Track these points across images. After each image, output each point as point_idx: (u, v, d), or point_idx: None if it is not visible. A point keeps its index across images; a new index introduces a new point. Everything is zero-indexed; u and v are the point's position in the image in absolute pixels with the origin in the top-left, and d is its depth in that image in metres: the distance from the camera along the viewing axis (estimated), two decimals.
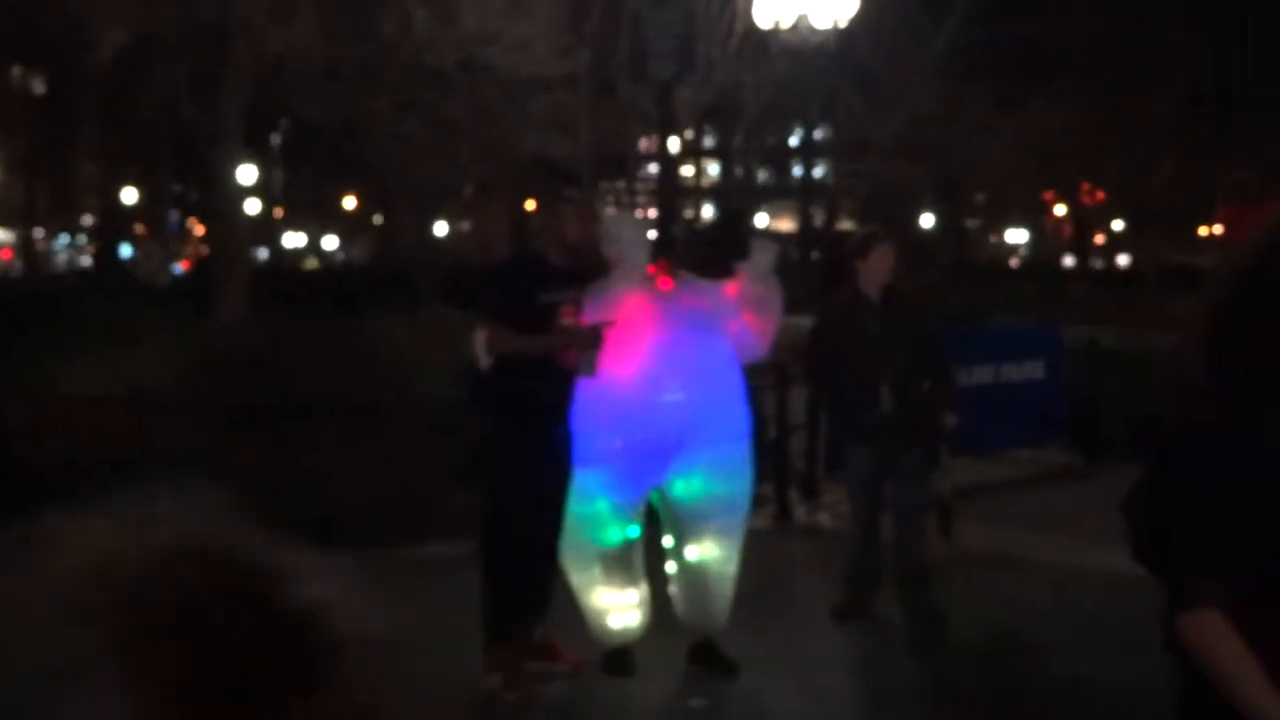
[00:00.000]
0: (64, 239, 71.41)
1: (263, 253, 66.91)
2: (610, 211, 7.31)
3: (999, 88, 28.84)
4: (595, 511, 6.84)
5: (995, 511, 10.43)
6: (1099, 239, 62.85)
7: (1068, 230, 60.36)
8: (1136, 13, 38.10)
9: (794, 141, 44.26)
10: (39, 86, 46.12)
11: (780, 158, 31.05)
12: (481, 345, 6.59)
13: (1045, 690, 6.91)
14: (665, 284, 6.95)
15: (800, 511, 10.77)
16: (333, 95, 13.88)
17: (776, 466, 10.68)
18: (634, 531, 6.98)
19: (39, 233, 67.91)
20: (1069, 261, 57.08)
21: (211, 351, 11.30)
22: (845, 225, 35.59)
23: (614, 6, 13.20)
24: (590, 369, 6.67)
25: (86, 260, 66.62)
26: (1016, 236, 69.74)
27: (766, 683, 6.95)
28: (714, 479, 6.92)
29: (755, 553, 9.02)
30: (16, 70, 44.75)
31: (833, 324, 8.03)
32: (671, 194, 14.55)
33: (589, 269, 6.90)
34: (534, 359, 6.57)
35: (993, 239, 69.66)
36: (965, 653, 7.68)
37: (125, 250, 64.70)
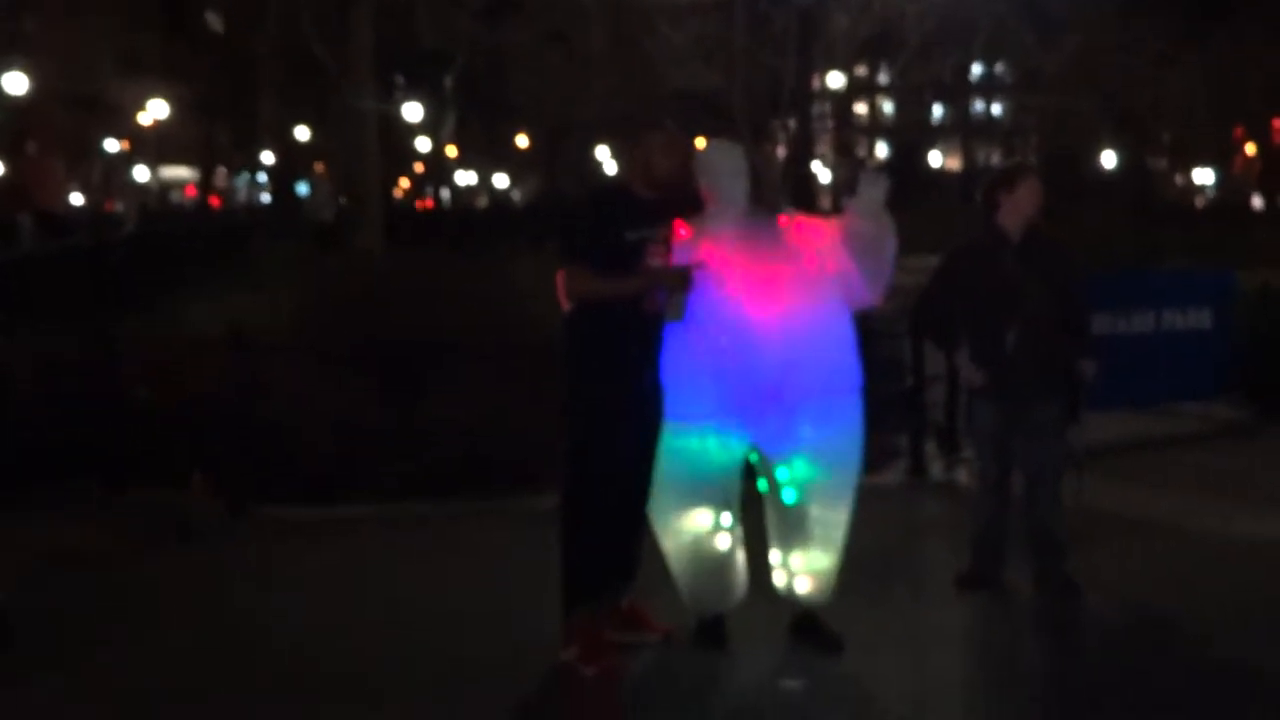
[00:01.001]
0: (244, 177, 73.04)
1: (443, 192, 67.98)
2: (703, 142, 6.75)
3: (1180, 17, 27.26)
4: (688, 466, 6.20)
5: (1151, 471, 9.64)
6: None
7: (1257, 169, 57.80)
8: None
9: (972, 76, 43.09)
10: (216, 24, 46.66)
11: (954, 94, 29.88)
12: (562, 287, 6.06)
13: (1194, 678, 6.09)
14: (766, 221, 6.32)
15: (936, 468, 10.07)
16: (463, 28, 13.49)
17: (912, 418, 10.03)
18: (735, 492, 6.35)
19: (221, 171, 69.66)
20: (1258, 203, 54.57)
21: (329, 291, 10.96)
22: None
23: None
24: (679, 314, 6.05)
25: (266, 197, 68.10)
26: (1203, 177, 67.09)
27: (872, 662, 6.27)
28: (819, 434, 6.23)
29: (881, 512, 8.46)
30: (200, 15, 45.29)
31: (963, 263, 7.31)
32: (808, 130, 13.85)
33: (680, 205, 6.28)
34: (617, 303, 6.00)
35: (1179, 179, 67.12)
36: (1102, 633, 6.90)
37: (303, 188, 65.87)
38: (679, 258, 6.14)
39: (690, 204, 6.30)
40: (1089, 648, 6.78)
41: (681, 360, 6.13)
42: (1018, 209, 7.13)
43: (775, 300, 6.15)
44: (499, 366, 9.34)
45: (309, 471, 8.83)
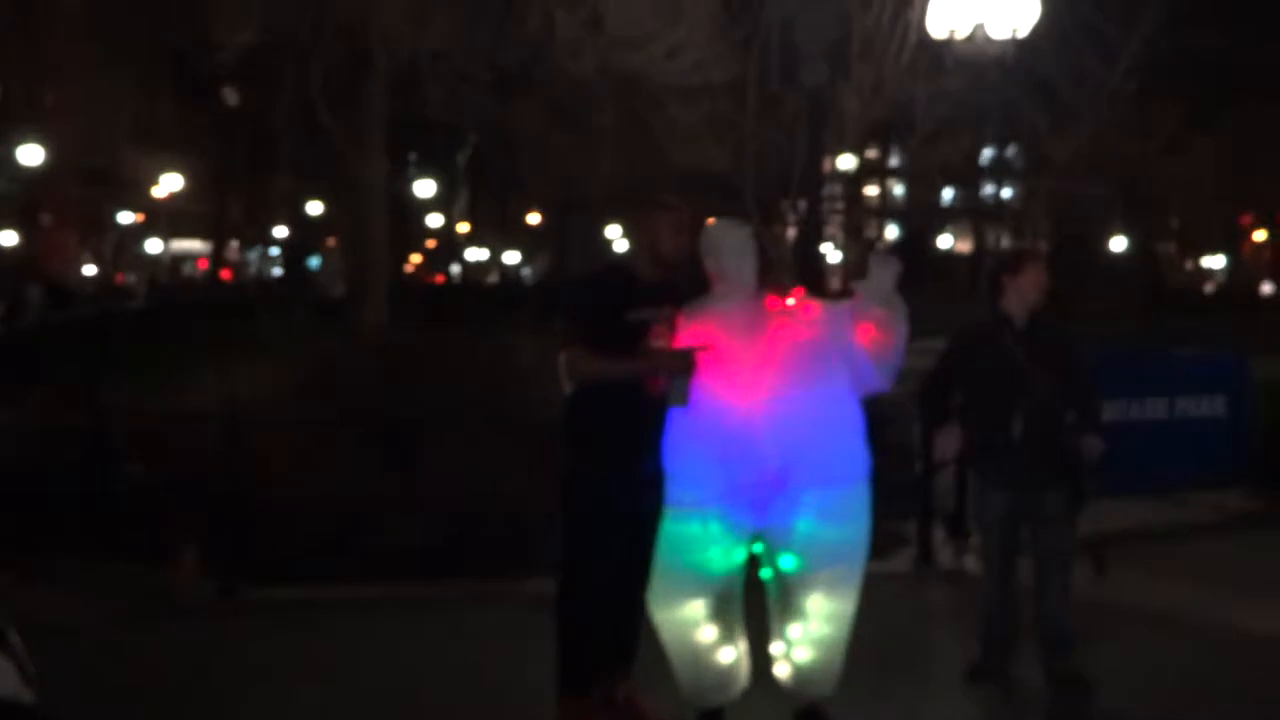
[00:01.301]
0: (257, 250, 73.27)
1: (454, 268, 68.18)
2: (715, 221, 6.61)
3: (1192, 103, 27.22)
4: (692, 559, 5.97)
5: (1163, 561, 9.40)
6: None
7: (1267, 256, 57.75)
8: None
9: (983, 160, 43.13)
10: (232, 98, 46.83)
11: (964, 178, 29.92)
12: (563, 368, 5.89)
13: None
14: (774, 303, 6.14)
15: (945, 555, 9.84)
16: (473, 102, 13.43)
17: (921, 504, 9.82)
18: (734, 577, 6.08)
19: (234, 244, 69.85)
20: (1267, 289, 54.44)
21: (328, 366, 10.81)
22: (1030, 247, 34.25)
23: (765, 12, 12.36)
24: (682, 398, 5.85)
25: (278, 270, 68.28)
26: (1213, 262, 67.05)
27: None
28: (824, 524, 5.98)
29: (888, 599, 8.23)
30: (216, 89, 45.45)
31: (969, 346, 7.16)
32: (818, 211, 13.75)
33: (685, 286, 6.12)
34: (619, 385, 5.81)
35: (1188, 264, 67.08)
36: None
37: (315, 261, 65.99)
38: (684, 340, 5.97)
39: (696, 284, 6.15)
40: None
41: (684, 445, 5.94)
42: (1021, 293, 7.00)
43: (781, 384, 5.95)
44: (496, 445, 9.15)
45: (301, 550, 8.62)
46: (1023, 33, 18.85)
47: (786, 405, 5.95)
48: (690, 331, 5.95)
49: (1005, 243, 31.01)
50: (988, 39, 18.58)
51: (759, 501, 5.96)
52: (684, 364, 5.82)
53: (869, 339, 6.13)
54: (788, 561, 6.07)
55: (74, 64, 42.24)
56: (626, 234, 6.23)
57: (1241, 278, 62.56)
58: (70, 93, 55.95)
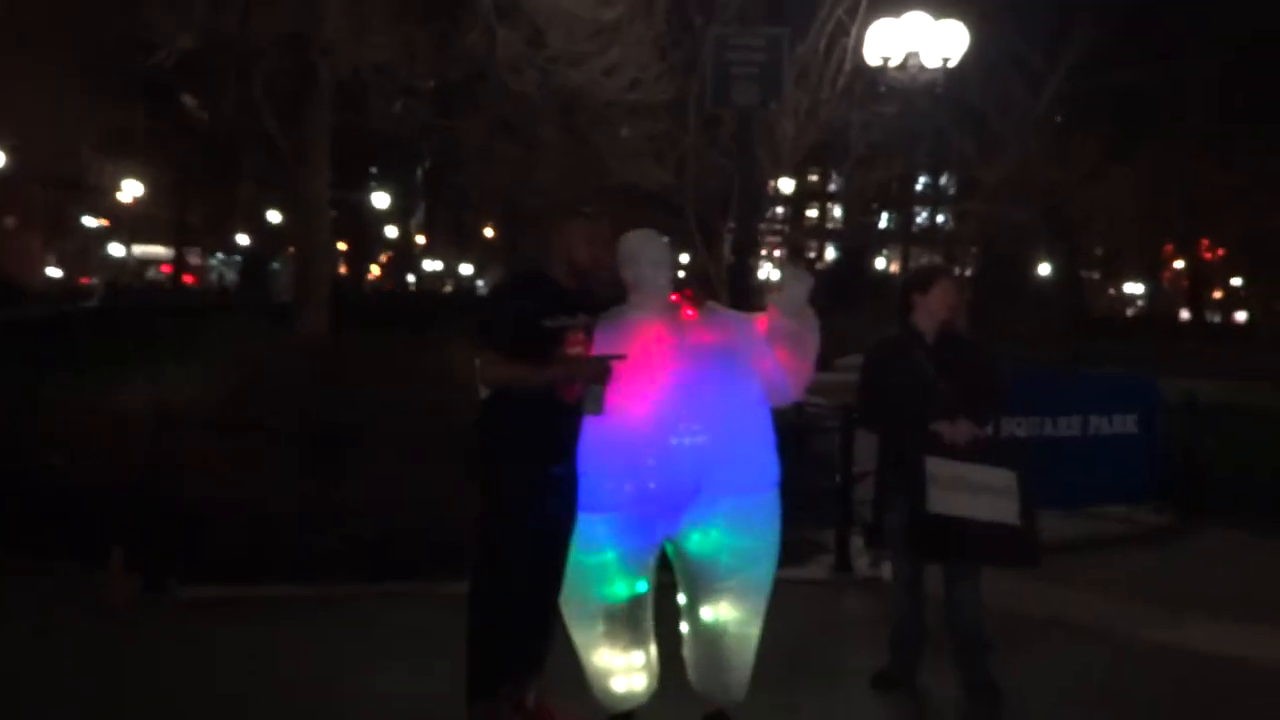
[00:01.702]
0: (218, 256, 72.65)
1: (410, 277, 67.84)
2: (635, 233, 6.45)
3: (1111, 134, 27.34)
4: (601, 562, 5.83)
5: (1074, 573, 9.23)
6: (1217, 294, 60.75)
7: (1185, 284, 58.21)
8: (1256, 58, 36.35)
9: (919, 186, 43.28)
10: (193, 106, 46.24)
11: (899, 202, 29.97)
12: (478, 372, 5.65)
13: None
14: (688, 314, 5.96)
15: (862, 563, 9.66)
16: (414, 114, 13.25)
17: (838, 514, 9.66)
18: (643, 586, 5.93)
19: (195, 251, 69.19)
20: (1185, 315, 54.87)
21: (261, 369, 10.52)
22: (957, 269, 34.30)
23: (703, 33, 12.20)
24: (597, 406, 5.66)
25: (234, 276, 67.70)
26: (1135, 288, 67.64)
27: None
28: (734, 531, 5.86)
29: (804, 606, 8.13)
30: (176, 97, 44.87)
31: (882, 359, 7.00)
32: (747, 232, 13.60)
33: (601, 295, 5.93)
34: (534, 392, 5.58)
35: (1110, 291, 67.60)
36: None
37: (276, 268, 65.44)
38: (600, 347, 5.77)
39: (612, 293, 5.97)
40: None
41: (597, 451, 5.75)
42: (930, 309, 6.89)
43: (696, 392, 5.78)
44: (424, 449, 8.89)
45: (229, 550, 8.35)
46: (953, 62, 18.82)
47: (698, 413, 5.79)
48: (606, 338, 5.77)
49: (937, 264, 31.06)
50: (920, 67, 18.48)
51: (671, 508, 5.80)
52: (598, 372, 5.61)
53: (781, 351, 5.99)
54: (697, 567, 5.93)
55: (38, 71, 41.57)
56: (544, 241, 5.95)
57: (1161, 304, 63.15)
58: (34, 100, 55.37)
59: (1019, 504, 6.56)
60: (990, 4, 21.92)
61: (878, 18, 18.07)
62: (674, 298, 6.00)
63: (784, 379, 6.02)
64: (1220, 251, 51.37)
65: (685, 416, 5.76)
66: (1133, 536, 11.05)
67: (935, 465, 6.51)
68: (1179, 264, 57.42)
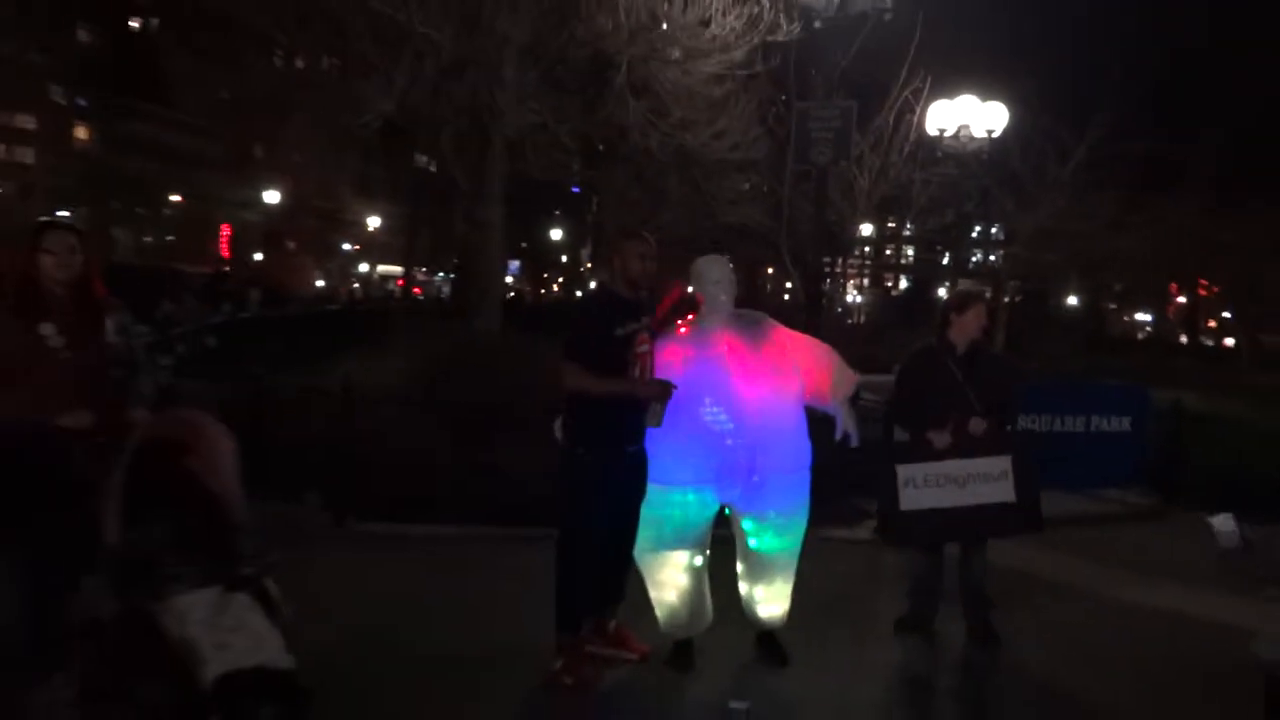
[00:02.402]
0: (441, 274, 73.73)
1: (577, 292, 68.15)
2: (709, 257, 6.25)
3: (1126, 193, 26.34)
4: (671, 522, 5.60)
5: (1074, 543, 8.69)
6: (1211, 323, 58.67)
7: (1184, 314, 56.11)
8: (1246, 135, 35.05)
9: (973, 233, 42.24)
10: (421, 160, 46.97)
11: (955, 244, 29.24)
12: (563, 374, 5.34)
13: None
14: (727, 333, 5.65)
15: None
16: (565, 165, 13.16)
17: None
18: (703, 542, 5.71)
19: (423, 269, 70.34)
20: (1184, 339, 52.80)
21: (441, 358, 10.39)
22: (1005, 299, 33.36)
23: (791, 106, 11.86)
24: (657, 420, 5.37)
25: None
26: (1144, 317, 65.50)
27: (813, 688, 5.56)
28: (775, 498, 5.65)
29: (848, 562, 7.77)
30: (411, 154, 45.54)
31: (920, 366, 6.57)
32: (819, 264, 13.23)
33: (651, 300, 5.64)
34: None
35: (1125, 318, 65.51)
36: (1014, 675, 6.06)
37: None
38: (672, 350, 5.49)
39: (679, 303, 5.69)
40: (1001, 688, 5.96)
41: (674, 437, 5.48)
42: (964, 328, 6.43)
43: (748, 390, 5.53)
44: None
45: (395, 497, 8.22)
46: (996, 134, 18.35)
47: (756, 407, 5.53)
48: (679, 343, 5.51)
49: (988, 295, 30.22)
50: (970, 137, 18.09)
51: (730, 481, 5.56)
52: (660, 392, 5.35)
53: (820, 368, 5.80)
54: (749, 524, 5.73)
55: (304, 126, 42.64)
56: (608, 261, 5.68)
57: (1165, 330, 60.93)
58: (305, 151, 56.87)
59: (1014, 483, 6.11)
60: (1028, 89, 21.49)
61: (937, 98, 17.77)
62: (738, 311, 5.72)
63: (820, 389, 5.81)
64: (1215, 289, 49.59)
65: (740, 408, 5.51)
66: (1124, 514, 10.48)
67: (907, 470, 6.20)
68: (1181, 298, 55.41)
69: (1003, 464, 6.15)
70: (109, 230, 55.31)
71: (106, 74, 58.83)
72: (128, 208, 57.41)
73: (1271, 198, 33.70)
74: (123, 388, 4.90)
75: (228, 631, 3.55)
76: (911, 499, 6.19)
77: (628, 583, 5.68)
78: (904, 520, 6.23)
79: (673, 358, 5.55)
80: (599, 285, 5.73)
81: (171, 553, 3.74)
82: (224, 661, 3.49)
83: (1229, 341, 55.15)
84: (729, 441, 5.47)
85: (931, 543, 6.42)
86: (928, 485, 6.20)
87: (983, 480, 6.15)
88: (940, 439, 6.21)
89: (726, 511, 5.75)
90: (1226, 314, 54.32)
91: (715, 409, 5.48)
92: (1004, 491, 6.13)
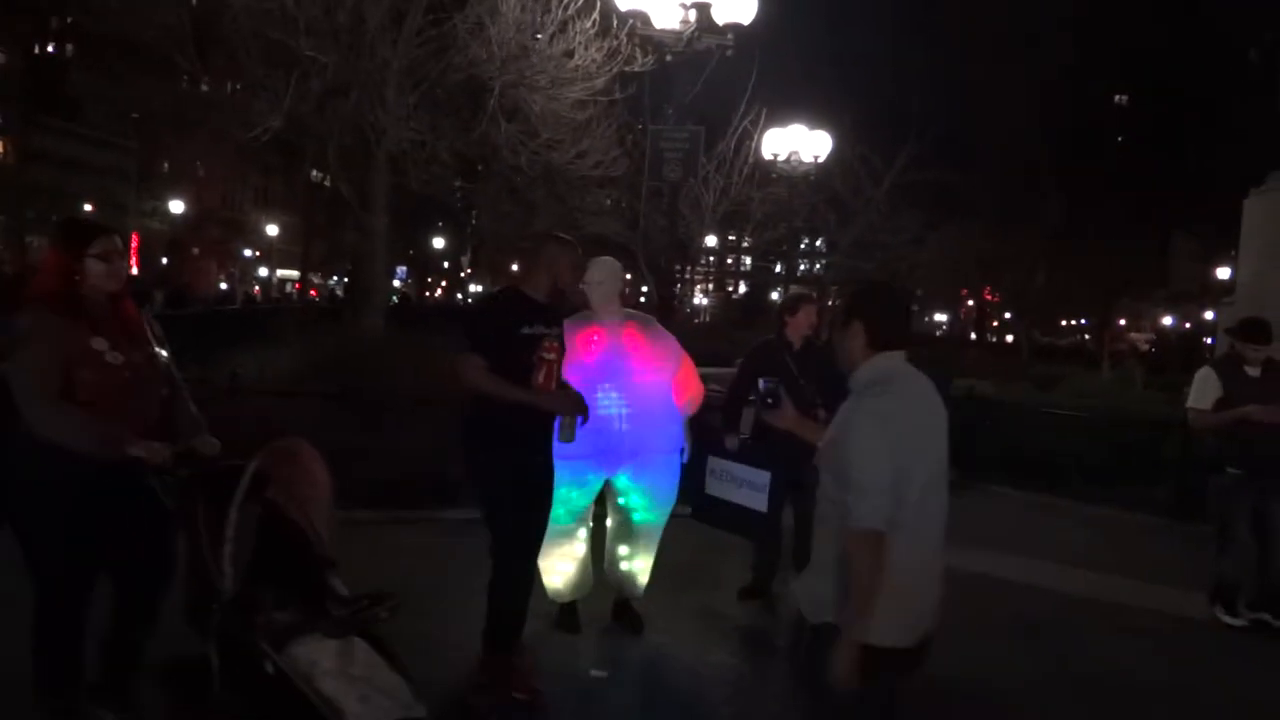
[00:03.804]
0: (334, 278, 71.56)
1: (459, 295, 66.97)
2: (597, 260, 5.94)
3: (927, 212, 27.18)
4: (561, 497, 5.13)
5: None
6: (994, 323, 61.06)
7: (973, 315, 58.31)
8: (1022, 166, 36.59)
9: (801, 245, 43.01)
10: (314, 174, 45.48)
11: (786, 255, 29.57)
12: (460, 374, 4.46)
13: None
14: (630, 326, 5.45)
15: None
16: (441, 178, 12.73)
17: None
18: (583, 513, 5.47)
19: (317, 274, 68.18)
20: (973, 335, 54.82)
21: (328, 353, 9.85)
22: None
23: (646, 129, 11.64)
24: (569, 435, 4.58)
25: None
26: (941, 317, 67.84)
27: (665, 651, 5.34)
28: (649, 478, 5.48)
29: (698, 538, 7.51)
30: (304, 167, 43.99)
31: (760, 358, 6.38)
32: (671, 271, 13.10)
33: (567, 309, 5.10)
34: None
35: (926, 318, 67.74)
36: None
37: None
38: (565, 344, 4.81)
39: (568, 306, 5.28)
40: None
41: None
42: (796, 326, 6.32)
43: (627, 381, 5.34)
44: (439, 412, 8.22)
45: None
46: (821, 159, 18.52)
47: (641, 393, 5.36)
48: (570, 336, 5.07)
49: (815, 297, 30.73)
50: (799, 161, 18.18)
51: (613, 460, 5.36)
52: (572, 406, 4.55)
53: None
54: (629, 500, 5.55)
55: (208, 141, 40.78)
56: (528, 263, 5.06)
57: (958, 328, 63.21)
58: (213, 166, 54.48)
59: (768, 497, 5.91)
60: (848, 121, 21.84)
61: (771, 126, 17.82)
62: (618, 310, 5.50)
63: (680, 394, 5.64)
64: (997, 296, 51.63)
65: (619, 396, 5.31)
66: None
67: (713, 462, 6.15)
68: (970, 302, 57.46)
69: (764, 478, 5.97)
70: (25, 237, 52.07)
71: (22, 92, 55.35)
72: (43, 216, 54.06)
73: (1031, 224, 35.65)
74: (168, 407, 3.88)
75: (363, 683, 3.03)
76: (712, 486, 6.13)
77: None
78: (707, 503, 6.15)
79: (583, 346, 5.20)
80: (507, 285, 4.97)
81: (271, 593, 3.23)
82: (371, 717, 2.97)
83: (1009, 338, 57.52)
84: (621, 426, 5.26)
85: (727, 529, 6.25)
86: (722, 479, 6.09)
87: (750, 487, 6.00)
88: (731, 442, 6.08)
89: (606, 487, 5.54)
90: (1008, 314, 56.58)
91: (613, 393, 5.26)
92: (758, 501, 5.96)
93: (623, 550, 5.62)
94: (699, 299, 60.54)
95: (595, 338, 5.30)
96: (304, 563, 3.35)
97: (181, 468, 3.64)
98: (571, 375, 4.88)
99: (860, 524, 2.86)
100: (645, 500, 5.52)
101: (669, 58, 10.17)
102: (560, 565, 5.47)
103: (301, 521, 3.39)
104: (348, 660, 3.07)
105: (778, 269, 45.07)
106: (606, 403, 5.22)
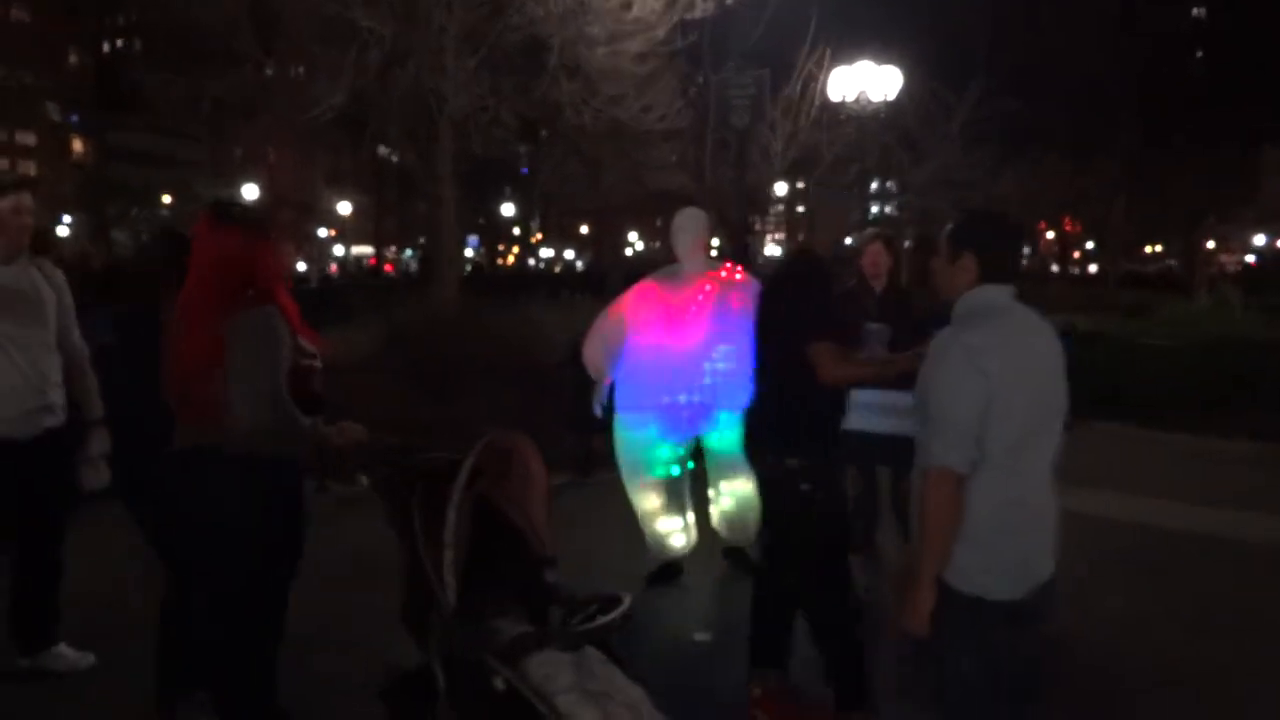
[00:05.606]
0: (409, 253, 72.35)
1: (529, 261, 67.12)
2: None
3: (1003, 146, 26.27)
4: (651, 450, 5.35)
5: None
6: (1076, 254, 59.38)
7: (1054, 248, 56.71)
8: (1097, 91, 35.32)
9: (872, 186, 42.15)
10: (385, 152, 45.88)
11: (859, 197, 28.93)
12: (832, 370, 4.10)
13: None
14: (718, 276, 5.34)
15: None
16: (505, 142, 12.55)
17: None
18: (678, 469, 5.44)
19: (393, 248, 68.94)
20: (1055, 268, 53.38)
21: (404, 326, 9.80)
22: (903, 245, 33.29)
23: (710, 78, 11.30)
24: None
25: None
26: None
27: None
28: (732, 434, 5.28)
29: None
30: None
31: (841, 305, 6.10)
32: (745, 218, 12.78)
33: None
34: None
35: None
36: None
37: None
38: (659, 297, 5.25)
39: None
40: None
41: (646, 369, 5.26)
42: (868, 266, 6.06)
43: (719, 335, 5.22)
44: (514, 383, 8.08)
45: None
46: (891, 96, 17.92)
47: (721, 351, 5.23)
48: (643, 294, 5.13)
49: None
50: (868, 100, 17.60)
51: (697, 415, 5.30)
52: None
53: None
54: (717, 459, 5.50)
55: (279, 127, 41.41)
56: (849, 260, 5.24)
57: (1038, 263, 61.67)
58: (285, 151, 55.22)
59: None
60: (917, 55, 21.13)
61: (837, 65, 17.25)
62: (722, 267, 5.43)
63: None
64: (1078, 226, 50.12)
65: (711, 351, 5.21)
66: None
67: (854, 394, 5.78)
68: (1050, 234, 55.89)
69: (907, 399, 5.65)
70: (108, 233, 53.46)
71: (96, 91, 56.73)
72: (123, 212, 55.45)
73: (1110, 152, 34.48)
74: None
75: (604, 698, 2.75)
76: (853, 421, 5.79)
77: None
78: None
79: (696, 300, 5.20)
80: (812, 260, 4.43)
81: (490, 597, 2.97)
82: None
83: (1092, 269, 55.85)
84: (695, 380, 5.19)
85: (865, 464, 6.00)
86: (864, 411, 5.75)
87: (895, 414, 5.70)
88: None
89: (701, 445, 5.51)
90: (1089, 245, 54.93)
91: (689, 349, 5.17)
92: (906, 427, 5.67)
93: (723, 500, 5.57)
94: (771, 249, 59.66)
95: (708, 287, 5.22)
96: (522, 563, 3.11)
97: (382, 463, 3.35)
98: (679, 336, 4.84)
99: (934, 461, 2.59)
100: (730, 454, 5.36)
101: (729, 1, 9.80)
102: (657, 525, 5.45)
103: (518, 518, 3.15)
104: (584, 673, 2.79)
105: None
106: (699, 360, 5.15)
